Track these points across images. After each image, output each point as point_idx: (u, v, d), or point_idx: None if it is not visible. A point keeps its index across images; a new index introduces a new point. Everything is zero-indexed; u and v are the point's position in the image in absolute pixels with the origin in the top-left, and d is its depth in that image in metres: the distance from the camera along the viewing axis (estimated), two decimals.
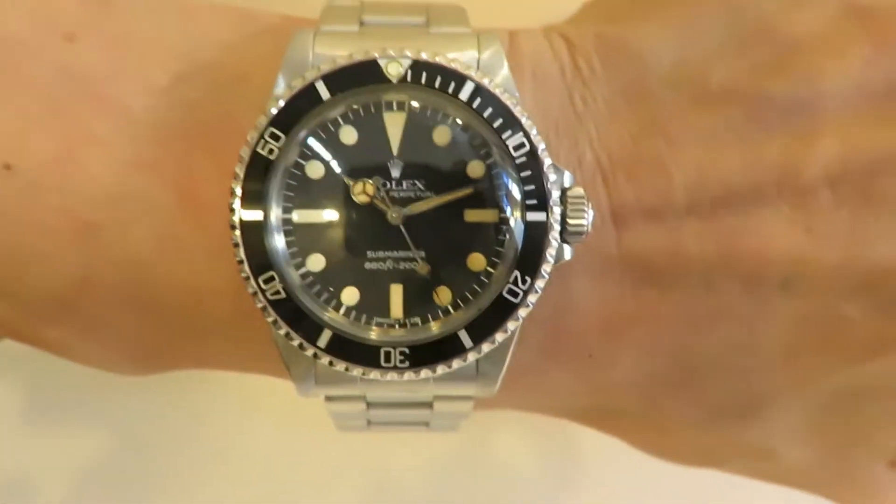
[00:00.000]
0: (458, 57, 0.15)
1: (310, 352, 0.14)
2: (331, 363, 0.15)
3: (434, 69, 0.14)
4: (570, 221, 0.15)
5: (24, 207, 0.16)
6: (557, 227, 0.15)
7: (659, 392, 0.18)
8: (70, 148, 0.15)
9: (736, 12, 0.17)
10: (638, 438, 0.21)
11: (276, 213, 0.15)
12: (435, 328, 0.15)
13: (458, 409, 0.17)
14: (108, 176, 0.16)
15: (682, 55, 0.17)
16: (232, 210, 0.14)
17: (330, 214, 0.15)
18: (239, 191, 0.14)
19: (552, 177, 0.15)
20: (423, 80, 0.14)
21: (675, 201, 0.16)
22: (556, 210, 0.15)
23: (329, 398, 0.16)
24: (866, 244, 0.16)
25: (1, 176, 0.15)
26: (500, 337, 0.15)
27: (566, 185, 0.15)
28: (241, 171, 0.14)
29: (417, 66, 0.14)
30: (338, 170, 0.15)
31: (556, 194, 0.15)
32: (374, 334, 0.15)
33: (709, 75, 0.16)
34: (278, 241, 0.15)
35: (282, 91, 0.14)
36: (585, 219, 0.15)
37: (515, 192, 0.15)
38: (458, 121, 0.15)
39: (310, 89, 0.14)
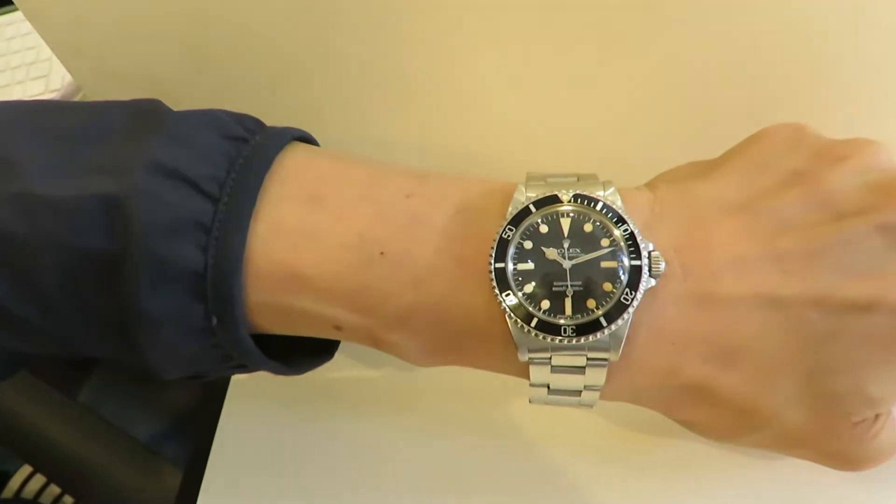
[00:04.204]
0: (594, 192, 0.31)
1: (525, 329, 0.30)
2: (536, 335, 0.30)
3: (584, 197, 0.30)
4: (653, 266, 0.30)
5: (387, 272, 0.29)
6: (647, 269, 0.30)
7: (712, 370, 0.29)
8: (410, 246, 0.30)
9: (756, 168, 0.31)
10: (696, 417, 0.31)
11: (510, 266, 0.30)
12: (587, 318, 0.30)
13: (597, 378, 0.30)
14: (426, 258, 0.29)
15: (715, 189, 0.32)
16: (490, 263, 0.30)
17: (535, 265, 0.30)
18: (493, 254, 0.30)
19: (642, 245, 0.30)
20: (578, 202, 0.30)
21: (714, 263, 0.30)
22: (646, 261, 0.30)
23: (532, 361, 0.31)
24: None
25: (380, 259, 0.29)
26: (620, 321, 0.29)
27: (650, 249, 0.30)
28: (494, 245, 0.30)
29: (576, 196, 0.31)
30: (539, 244, 0.31)
31: (645, 253, 0.30)
32: (557, 320, 0.30)
33: (731, 197, 0.31)
34: (511, 279, 0.30)
35: (512, 211, 0.31)
36: (660, 266, 0.29)
37: (625, 251, 0.30)
38: (596, 220, 0.30)
39: (525, 209, 0.31)
